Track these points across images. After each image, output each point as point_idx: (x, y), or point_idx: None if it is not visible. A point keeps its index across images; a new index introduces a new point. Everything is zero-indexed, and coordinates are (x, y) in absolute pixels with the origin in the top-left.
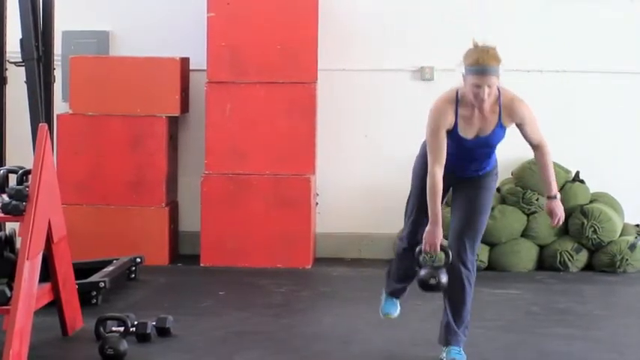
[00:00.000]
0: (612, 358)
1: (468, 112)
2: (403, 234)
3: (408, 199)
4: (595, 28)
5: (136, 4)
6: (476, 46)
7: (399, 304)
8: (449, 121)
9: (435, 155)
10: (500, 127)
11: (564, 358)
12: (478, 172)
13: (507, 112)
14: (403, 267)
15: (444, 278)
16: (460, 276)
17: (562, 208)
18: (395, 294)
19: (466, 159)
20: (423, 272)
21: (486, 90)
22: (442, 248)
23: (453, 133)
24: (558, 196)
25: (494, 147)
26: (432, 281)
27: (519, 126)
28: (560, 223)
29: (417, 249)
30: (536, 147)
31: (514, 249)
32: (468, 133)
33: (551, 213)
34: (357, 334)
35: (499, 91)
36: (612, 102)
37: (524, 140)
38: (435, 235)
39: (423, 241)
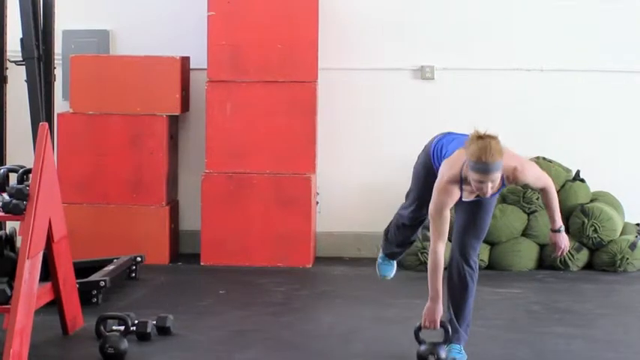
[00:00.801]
0: (612, 357)
1: (471, 189)
2: (404, 212)
3: (408, 190)
4: (595, 27)
5: (137, 4)
6: (478, 136)
7: (395, 266)
8: (455, 199)
9: (438, 233)
10: (503, 186)
11: (564, 357)
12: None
13: (510, 180)
14: (401, 236)
15: (442, 354)
16: (463, 274)
17: (566, 239)
18: (392, 256)
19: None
20: (422, 348)
21: (489, 185)
22: (441, 324)
23: (457, 201)
24: (562, 228)
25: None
26: (431, 358)
27: (523, 186)
28: (564, 254)
29: (417, 325)
30: (540, 190)
31: (514, 248)
32: (469, 197)
33: (555, 245)
34: (357, 333)
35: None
36: (613, 101)
37: (524, 140)
38: (435, 311)
39: (423, 317)
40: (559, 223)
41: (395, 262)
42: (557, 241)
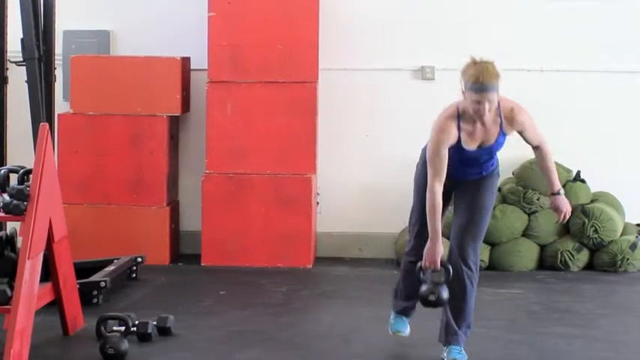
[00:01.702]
0: (613, 357)
1: (470, 127)
2: (408, 248)
3: (411, 211)
4: (595, 27)
5: (137, 4)
6: (474, 62)
7: (408, 323)
8: (452, 138)
9: (435, 172)
10: (502, 135)
11: (565, 357)
12: (480, 175)
13: (508, 121)
14: (410, 282)
15: (444, 294)
16: (462, 276)
17: (567, 203)
18: (404, 312)
19: (468, 165)
20: (423, 288)
21: (487, 105)
22: (442, 264)
23: (457, 146)
24: (562, 191)
25: (496, 152)
26: (432, 297)
27: (520, 132)
28: (567, 218)
29: (418, 265)
30: (536, 148)
31: (515, 248)
32: (471, 145)
33: (556, 209)
34: (357, 334)
35: (498, 102)
36: (613, 101)
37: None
38: (435, 251)
39: (423, 257)
40: (558, 185)
41: (408, 319)
42: (558, 205)
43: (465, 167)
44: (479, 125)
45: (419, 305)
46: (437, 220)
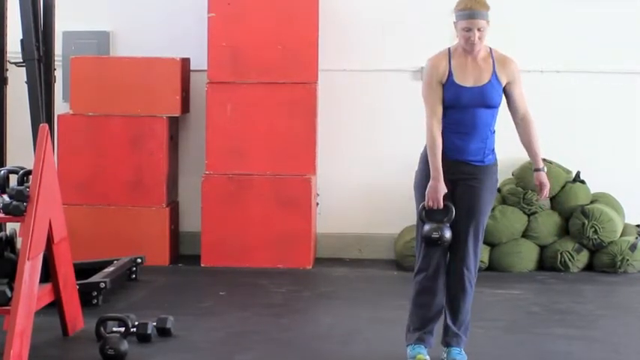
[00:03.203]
0: (613, 357)
1: (461, 61)
2: (418, 268)
3: (416, 227)
4: (596, 28)
5: (137, 5)
6: None
7: (424, 348)
8: (442, 70)
9: (431, 108)
10: (496, 79)
11: (565, 358)
12: (480, 157)
13: (500, 64)
14: (426, 306)
15: (447, 233)
16: (462, 277)
17: (547, 180)
18: (421, 339)
19: (467, 131)
20: (426, 227)
21: (477, 33)
22: (445, 204)
23: (449, 82)
24: (544, 168)
25: (493, 110)
26: (435, 235)
27: (509, 85)
28: (546, 195)
29: (421, 205)
30: (522, 118)
31: (515, 249)
32: (464, 80)
33: (540, 185)
34: (357, 335)
35: (490, 49)
36: (613, 102)
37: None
38: (438, 190)
39: (426, 196)
40: (541, 162)
41: (425, 345)
42: (542, 180)
43: (465, 137)
44: (470, 60)
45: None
46: (437, 158)
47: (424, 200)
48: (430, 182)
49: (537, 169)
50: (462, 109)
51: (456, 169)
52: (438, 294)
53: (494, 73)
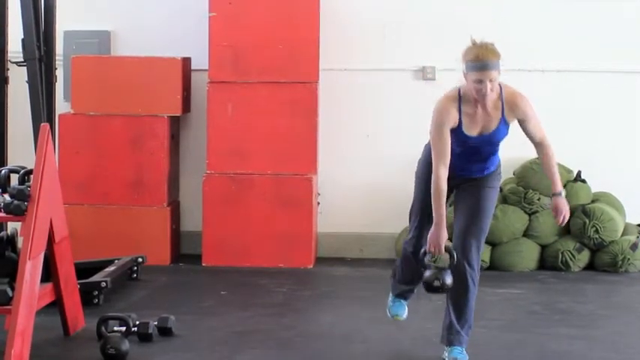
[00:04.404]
0: (614, 357)
1: (471, 110)
2: (408, 237)
3: (412, 204)
4: (596, 27)
5: (138, 4)
6: (474, 43)
7: (406, 306)
8: (452, 118)
9: (439, 155)
10: (504, 124)
11: (566, 358)
12: (482, 173)
13: (510, 106)
14: (409, 270)
15: (448, 280)
16: (465, 275)
17: (567, 205)
18: (402, 295)
19: (470, 159)
20: (427, 274)
21: (488, 85)
22: (446, 249)
23: (457, 132)
24: (563, 192)
25: (498, 144)
26: (436, 283)
27: (522, 122)
28: (566, 220)
29: (422, 250)
30: (538, 144)
31: (516, 249)
32: (472, 130)
33: (556, 210)
34: (358, 334)
35: (501, 87)
36: (614, 102)
37: (525, 139)
38: (440, 236)
39: (427, 242)
40: (559, 186)
41: (406, 302)
42: (559, 206)
43: (468, 161)
44: (480, 109)
45: (416, 299)
46: (442, 204)
47: (420, 188)
48: (432, 228)
49: (554, 194)
50: (466, 150)
51: (459, 179)
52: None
53: (502, 118)
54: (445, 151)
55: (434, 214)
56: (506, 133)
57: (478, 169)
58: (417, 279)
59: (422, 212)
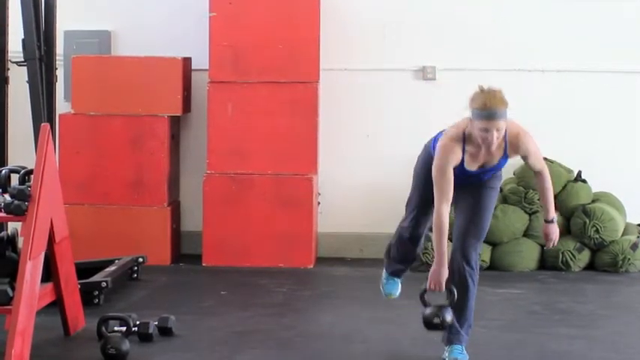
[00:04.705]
0: (614, 357)
1: (474, 150)
2: (404, 224)
3: (409, 197)
4: (596, 27)
5: (138, 4)
6: (482, 90)
7: (400, 284)
8: (456, 159)
9: (442, 193)
10: (505, 158)
11: (566, 358)
12: (483, 180)
13: (513, 147)
14: (404, 251)
15: (448, 317)
16: (464, 274)
17: (557, 231)
18: (396, 274)
19: (468, 180)
20: (427, 311)
21: (495, 134)
22: (446, 287)
23: (458, 167)
24: (555, 219)
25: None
26: (436, 320)
27: (523, 157)
28: (554, 245)
29: (422, 287)
30: (538, 174)
31: (516, 248)
32: (473, 166)
33: (546, 236)
34: (358, 334)
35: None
36: (614, 101)
37: None
38: (440, 274)
39: (428, 280)
40: (552, 213)
41: (399, 280)
42: (548, 233)
43: (465, 180)
44: (483, 150)
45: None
46: (443, 243)
47: (418, 184)
48: (433, 266)
49: (546, 220)
50: (466, 177)
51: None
52: (415, 246)
53: (504, 155)
54: (448, 190)
55: (435, 252)
56: (506, 163)
57: (477, 181)
58: (410, 260)
59: (419, 205)
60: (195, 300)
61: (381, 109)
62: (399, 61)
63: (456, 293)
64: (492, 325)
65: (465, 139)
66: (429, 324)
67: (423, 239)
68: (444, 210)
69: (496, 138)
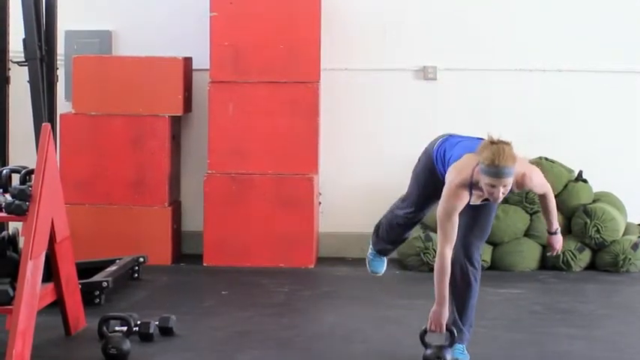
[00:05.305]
0: (615, 357)
1: (481, 192)
2: (400, 212)
3: (407, 194)
4: (596, 27)
5: (139, 4)
6: (492, 141)
7: (385, 262)
8: (464, 203)
9: (446, 237)
10: (509, 192)
11: (566, 358)
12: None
13: (518, 185)
14: (394, 234)
15: (448, 357)
16: (467, 273)
17: (561, 240)
18: (383, 252)
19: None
20: (428, 352)
21: (501, 190)
22: (447, 328)
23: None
24: (558, 230)
25: None
26: None
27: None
28: (557, 253)
29: (423, 328)
30: (541, 196)
31: (517, 248)
32: (477, 201)
33: (550, 246)
34: (358, 334)
35: None
36: (615, 101)
37: (527, 139)
38: (441, 315)
39: (429, 320)
40: (555, 225)
41: (386, 258)
42: (552, 243)
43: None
44: None
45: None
46: (445, 285)
47: (416, 186)
48: (434, 307)
49: (550, 233)
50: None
51: None
52: (407, 230)
53: (509, 191)
54: (453, 235)
55: (436, 294)
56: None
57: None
58: (400, 241)
59: (416, 204)
60: (195, 300)
61: (381, 109)
62: (399, 61)
63: (456, 334)
64: (493, 324)
65: (471, 185)
66: None
67: (413, 229)
68: (446, 253)
69: (502, 194)
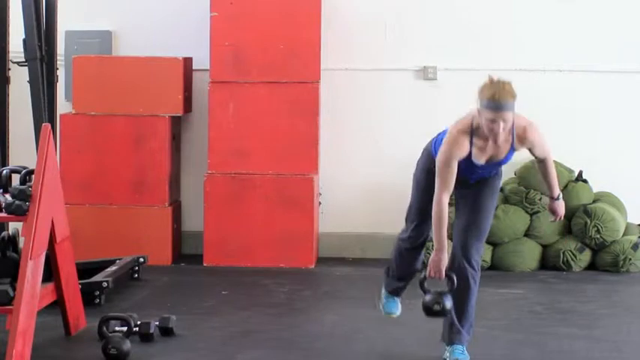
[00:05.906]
0: (615, 357)
1: (482, 143)
2: (404, 235)
3: (409, 207)
4: (596, 27)
5: (139, 4)
6: (491, 81)
7: (399, 303)
8: (464, 151)
9: (444, 183)
10: (512, 151)
11: (567, 358)
12: (487, 176)
13: (520, 139)
14: (405, 265)
15: (448, 304)
16: (466, 274)
17: (563, 206)
18: (395, 292)
19: (474, 172)
20: (427, 298)
21: (501, 125)
22: (446, 274)
23: (466, 159)
24: (561, 196)
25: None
26: (437, 307)
27: (529, 149)
28: (560, 219)
29: (422, 275)
30: (541, 161)
31: (517, 249)
32: (480, 159)
33: (552, 211)
34: (359, 334)
35: (513, 120)
36: (615, 101)
37: None
38: (440, 261)
39: (428, 267)
40: (557, 191)
41: (399, 299)
42: (555, 209)
43: (472, 174)
44: (490, 142)
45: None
46: (442, 231)
47: (418, 192)
48: (433, 254)
49: (552, 198)
50: (471, 169)
51: (461, 181)
52: (416, 258)
53: (511, 149)
54: (450, 182)
55: (434, 240)
56: (512, 157)
57: (480, 177)
58: (411, 274)
59: (419, 216)
60: (196, 300)
61: (382, 109)
62: (400, 61)
63: (455, 280)
64: (494, 325)
65: (472, 131)
66: (429, 311)
67: (423, 252)
68: (444, 198)
69: (502, 129)
